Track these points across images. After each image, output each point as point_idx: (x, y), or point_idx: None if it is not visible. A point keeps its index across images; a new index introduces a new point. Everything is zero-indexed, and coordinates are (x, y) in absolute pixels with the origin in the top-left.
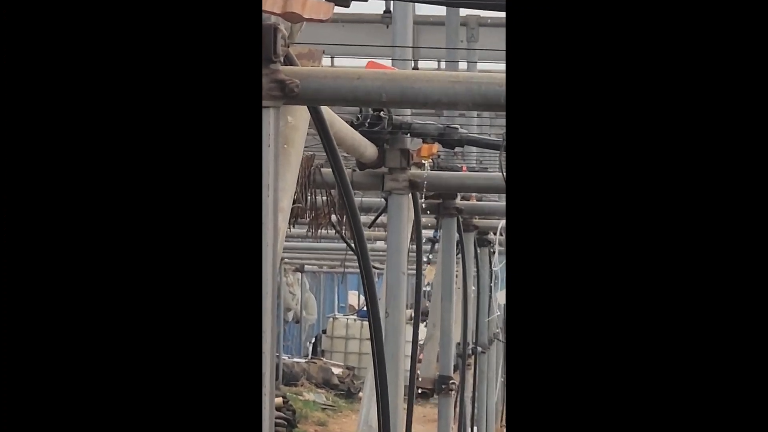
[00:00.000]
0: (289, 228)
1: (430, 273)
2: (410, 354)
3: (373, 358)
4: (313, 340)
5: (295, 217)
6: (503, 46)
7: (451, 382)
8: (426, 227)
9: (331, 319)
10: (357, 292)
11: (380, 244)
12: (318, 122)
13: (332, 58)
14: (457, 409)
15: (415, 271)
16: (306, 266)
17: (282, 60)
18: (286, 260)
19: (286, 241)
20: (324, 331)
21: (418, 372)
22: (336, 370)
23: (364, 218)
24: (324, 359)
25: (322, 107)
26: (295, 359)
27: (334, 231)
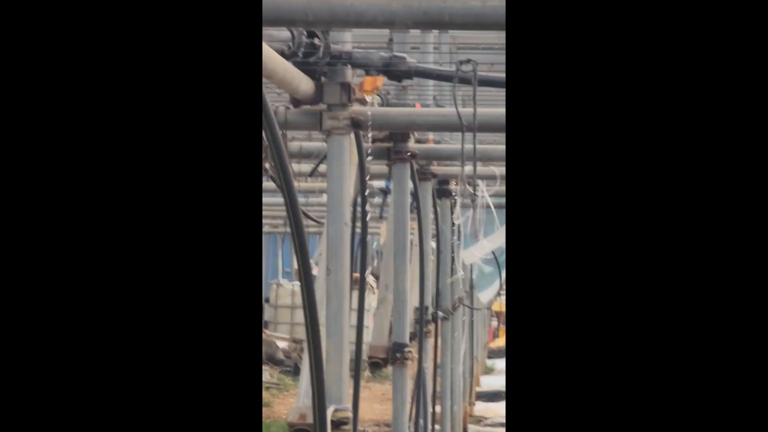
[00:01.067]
0: None
1: (384, 232)
2: (356, 324)
3: (306, 322)
4: None
5: None
6: None
7: (406, 350)
8: (377, 177)
9: (274, 285)
10: None
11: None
12: None
13: None
14: (416, 383)
15: (360, 226)
16: None
17: None
18: None
19: None
20: (267, 300)
21: (368, 342)
22: (281, 344)
23: (305, 166)
24: (267, 332)
25: None
26: None
27: (273, 182)
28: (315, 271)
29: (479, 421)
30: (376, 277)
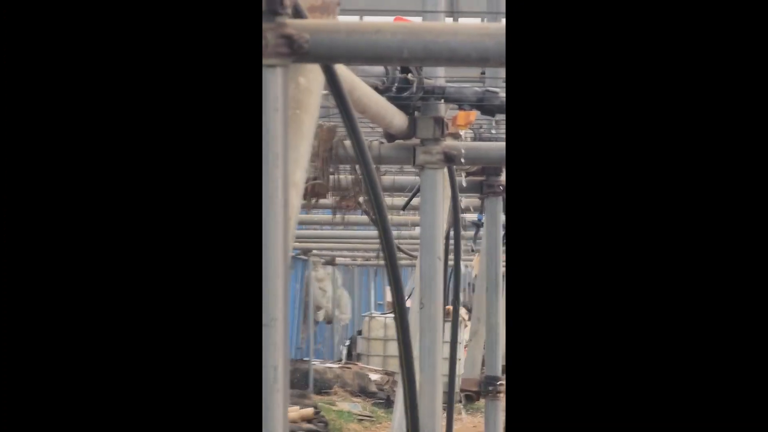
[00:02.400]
0: (308, 210)
1: (476, 264)
2: (449, 356)
3: (400, 356)
4: (347, 343)
5: (315, 197)
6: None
7: (499, 383)
8: (470, 210)
9: (367, 318)
10: None
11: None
12: (331, 83)
13: (361, 18)
14: None
15: (453, 259)
16: (338, 258)
17: (290, 12)
18: (314, 252)
19: (313, 229)
20: (359, 332)
21: (460, 374)
22: (374, 376)
23: (399, 199)
24: (360, 364)
25: (338, 68)
26: (328, 364)
27: (366, 216)
28: (408, 304)
29: None
30: (469, 310)
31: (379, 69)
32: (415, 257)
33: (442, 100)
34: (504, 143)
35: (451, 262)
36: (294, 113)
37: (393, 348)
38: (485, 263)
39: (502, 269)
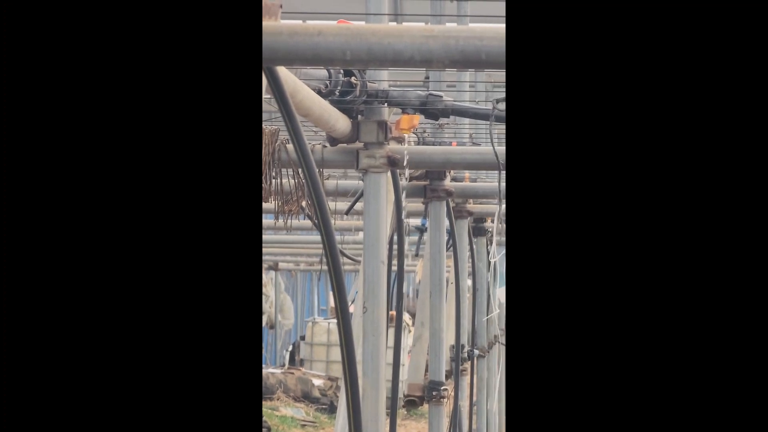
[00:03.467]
0: None
1: (420, 269)
2: (392, 361)
3: (343, 361)
4: (290, 348)
5: None
6: (496, 12)
7: (443, 388)
8: (413, 215)
9: (310, 323)
10: None
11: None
12: (274, 86)
13: (304, 21)
14: (452, 421)
15: (396, 264)
16: (280, 263)
17: None
18: None
19: None
20: (302, 338)
21: (404, 380)
22: (317, 382)
23: (342, 204)
24: (303, 369)
25: (280, 70)
26: (270, 369)
27: (310, 221)
28: (351, 309)
29: None
30: (412, 315)
31: (322, 72)
32: (358, 262)
33: (386, 104)
34: (446, 147)
35: (394, 267)
36: None
37: (336, 353)
38: (429, 268)
39: (446, 274)
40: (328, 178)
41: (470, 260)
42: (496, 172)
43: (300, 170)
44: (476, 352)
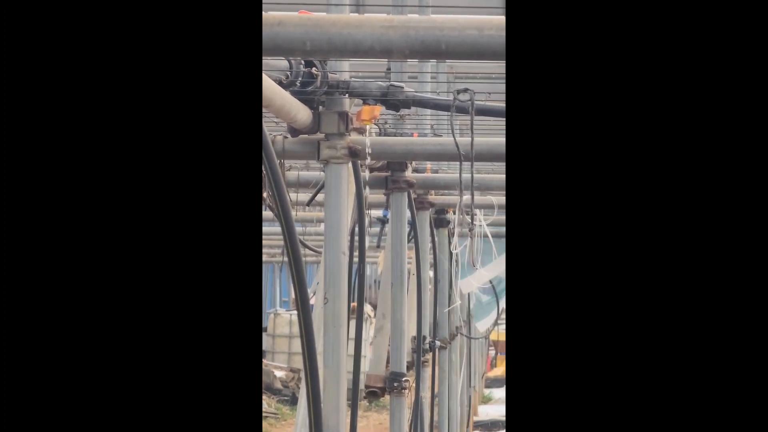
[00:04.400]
0: None
1: (382, 261)
2: (353, 352)
3: (303, 353)
4: None
5: None
6: (457, 2)
7: (404, 380)
8: (375, 206)
9: (272, 315)
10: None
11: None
12: None
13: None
14: (414, 413)
15: (358, 256)
16: None
17: None
18: None
19: None
20: (264, 329)
21: (365, 371)
22: (279, 374)
23: (303, 195)
24: (265, 361)
25: None
26: None
27: (271, 212)
28: (312, 300)
29: None
30: (374, 307)
31: (283, 63)
32: (319, 253)
33: (347, 95)
34: (408, 138)
35: (356, 259)
36: None
37: (298, 345)
38: (390, 259)
39: (408, 266)
40: (289, 169)
41: (432, 251)
42: (457, 162)
43: (261, 161)
44: (438, 343)
